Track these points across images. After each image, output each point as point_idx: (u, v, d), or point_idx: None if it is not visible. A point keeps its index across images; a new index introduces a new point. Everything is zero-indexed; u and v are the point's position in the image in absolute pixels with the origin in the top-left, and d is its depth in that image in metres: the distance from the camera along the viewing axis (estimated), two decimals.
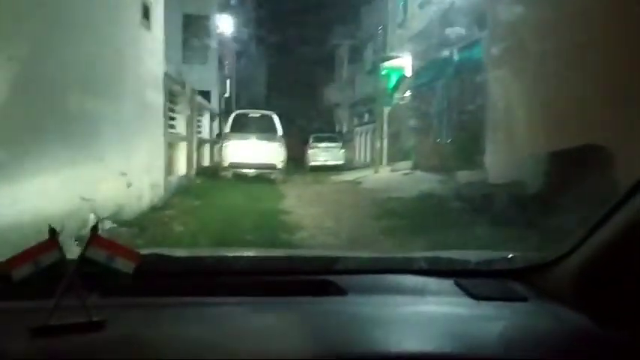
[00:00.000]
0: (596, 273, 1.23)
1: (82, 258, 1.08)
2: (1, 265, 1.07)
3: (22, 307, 1.14)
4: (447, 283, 1.41)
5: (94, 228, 1.12)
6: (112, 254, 1.11)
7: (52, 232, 1.08)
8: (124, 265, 1.11)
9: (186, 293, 1.31)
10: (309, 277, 1.44)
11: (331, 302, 1.32)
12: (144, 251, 1.41)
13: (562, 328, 1.20)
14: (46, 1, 4.72)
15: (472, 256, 1.61)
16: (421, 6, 14.49)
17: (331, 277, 1.41)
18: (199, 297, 1.30)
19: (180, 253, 1.66)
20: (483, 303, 1.31)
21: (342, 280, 1.39)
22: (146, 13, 7.90)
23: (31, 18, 4.42)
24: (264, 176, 13.57)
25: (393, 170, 15.77)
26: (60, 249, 1.07)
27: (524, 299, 1.33)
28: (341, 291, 1.35)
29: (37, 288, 1.08)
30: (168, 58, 9.97)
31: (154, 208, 7.55)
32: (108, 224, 5.65)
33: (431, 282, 1.43)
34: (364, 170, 18.21)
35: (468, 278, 1.43)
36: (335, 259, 1.55)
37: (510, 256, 1.55)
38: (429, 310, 1.30)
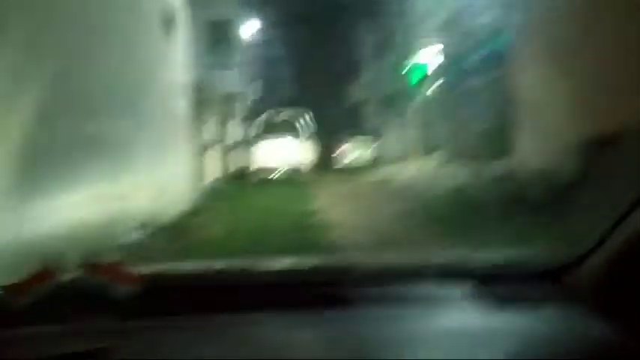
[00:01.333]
0: (623, 272, 1.17)
1: (82, 283, 1.07)
2: (3, 289, 1.06)
3: (22, 336, 1.10)
4: (466, 287, 1.34)
5: (91, 253, 1.11)
6: (112, 278, 1.09)
7: (49, 258, 1.07)
8: (125, 289, 1.09)
9: (194, 311, 1.26)
10: (321, 290, 1.38)
11: (344, 316, 1.27)
12: (148, 268, 1.39)
13: (589, 333, 1.14)
14: (71, 13, 4.81)
15: (492, 256, 1.54)
16: None
17: (343, 289, 1.36)
18: (206, 315, 1.25)
19: (187, 266, 1.62)
20: (505, 308, 1.24)
21: (354, 291, 1.35)
22: (170, 24, 8.00)
23: (56, 31, 4.51)
24: (292, 177, 13.61)
25: (424, 164, 15.63)
26: (58, 275, 1.06)
27: (549, 302, 1.25)
28: (354, 303, 1.31)
29: (37, 316, 1.05)
30: (194, 65, 10.10)
31: (185, 214, 7.65)
32: (142, 232, 5.75)
33: (449, 287, 1.36)
34: (394, 166, 18.10)
35: (490, 282, 1.36)
36: (346, 269, 1.50)
37: (532, 255, 1.48)
38: (448, 319, 1.24)
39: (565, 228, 4.87)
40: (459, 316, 1.25)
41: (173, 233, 6.18)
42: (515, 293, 1.31)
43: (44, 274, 1.05)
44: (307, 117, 15.14)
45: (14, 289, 1.04)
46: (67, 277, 1.09)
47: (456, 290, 1.35)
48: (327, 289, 1.38)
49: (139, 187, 6.14)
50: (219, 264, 1.57)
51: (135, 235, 5.61)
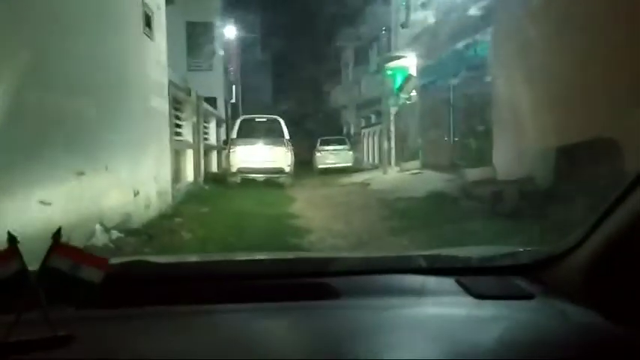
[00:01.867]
0: (603, 267, 1.17)
1: (44, 267, 0.98)
2: None
3: None
4: (448, 282, 1.34)
5: (56, 234, 1.00)
6: (78, 262, 1.00)
7: (12, 239, 0.97)
8: (92, 274, 1.00)
9: (165, 302, 1.20)
10: (302, 280, 1.36)
11: (326, 306, 1.25)
12: (121, 259, 1.34)
13: (570, 326, 1.14)
14: (48, 11, 4.71)
15: (473, 252, 1.54)
16: (423, 5, 14.44)
17: (325, 280, 1.34)
18: (179, 305, 1.20)
19: (162, 259, 1.57)
20: (487, 302, 1.24)
21: (336, 282, 1.32)
22: (148, 22, 7.91)
23: (33, 28, 4.41)
24: (272, 181, 13.56)
25: (401, 171, 15.71)
26: (20, 258, 0.96)
27: (529, 297, 1.26)
28: (336, 293, 1.28)
29: None
30: (173, 66, 10.00)
31: (161, 216, 7.54)
32: (115, 233, 5.64)
33: (430, 281, 1.35)
34: (373, 172, 18.16)
35: (470, 276, 1.36)
36: (329, 260, 1.48)
37: (513, 251, 1.47)
38: (429, 311, 1.23)
39: (541, 228, 4.93)
40: (439, 307, 1.24)
41: (147, 235, 6.07)
42: (495, 287, 1.32)
43: (5, 255, 0.96)
44: (286, 120, 15.08)
45: None
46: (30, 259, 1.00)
47: (438, 283, 1.34)
48: (308, 280, 1.36)
49: (113, 186, 6.03)
50: (191, 257, 1.53)
51: (107, 237, 5.50)
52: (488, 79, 10.83)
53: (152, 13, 8.08)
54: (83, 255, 1.02)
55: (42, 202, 4.35)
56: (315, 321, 1.17)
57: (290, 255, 1.66)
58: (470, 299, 1.25)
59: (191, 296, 1.24)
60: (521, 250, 1.47)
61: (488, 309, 1.22)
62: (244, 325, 1.13)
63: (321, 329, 1.13)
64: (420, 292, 1.30)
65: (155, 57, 8.32)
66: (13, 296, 0.96)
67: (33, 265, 0.99)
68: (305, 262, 1.57)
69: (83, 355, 0.96)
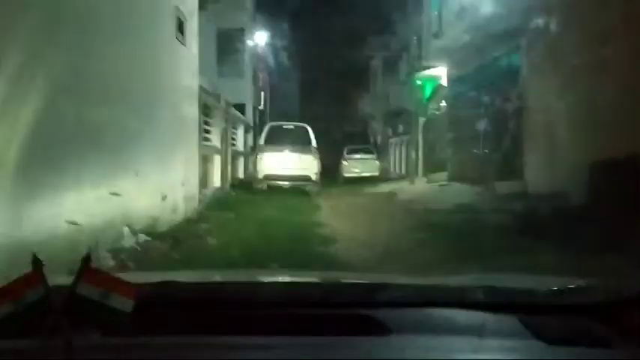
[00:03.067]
0: None
1: (72, 295, 0.92)
2: None
3: (3, 349, 0.98)
4: (510, 321, 1.16)
5: (86, 259, 0.94)
6: (107, 290, 0.94)
7: (36, 262, 0.92)
8: (121, 303, 0.94)
9: (197, 330, 1.12)
10: (345, 312, 1.21)
11: (372, 343, 1.10)
12: (150, 277, 1.25)
13: None
14: (82, 15, 4.76)
15: (534, 284, 1.35)
16: (458, 15, 14.28)
17: (371, 312, 1.19)
18: (213, 336, 1.10)
19: (192, 277, 1.47)
20: (558, 349, 1.06)
21: (384, 315, 1.17)
22: (181, 28, 7.97)
23: (67, 33, 4.46)
24: (298, 188, 13.52)
25: (429, 182, 15.53)
26: (45, 283, 0.91)
27: (606, 344, 1.08)
28: (384, 329, 1.13)
29: (21, 327, 0.92)
30: (203, 72, 10.06)
31: (188, 221, 7.55)
32: (142, 237, 5.64)
33: (490, 319, 1.17)
34: (399, 182, 18.01)
35: (535, 315, 1.18)
36: (375, 288, 1.31)
37: (583, 286, 1.28)
38: (488, 356, 1.06)
39: (576, 249, 4.74)
40: (505, 353, 1.08)
41: (173, 240, 6.06)
42: (565, 330, 1.14)
43: (30, 279, 0.91)
44: (314, 128, 15.05)
45: None
46: (57, 282, 0.94)
47: (499, 322, 1.17)
48: (350, 312, 1.21)
49: (141, 190, 6.05)
50: (217, 276, 1.42)
51: (134, 240, 5.51)
52: (521, 91, 10.63)
53: (185, 19, 8.14)
54: (113, 282, 0.96)
55: (73, 206, 4.37)
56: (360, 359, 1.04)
57: (333, 277, 1.50)
58: (538, 344, 1.08)
59: (221, 325, 1.15)
60: (593, 285, 1.28)
61: (560, 357, 1.06)
62: None
63: None
64: (479, 332, 1.13)
65: (187, 63, 8.38)
66: (38, 321, 0.90)
67: (61, 278, 0.95)
68: (350, 288, 1.42)
69: None
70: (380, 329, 1.14)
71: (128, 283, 0.96)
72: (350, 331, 1.14)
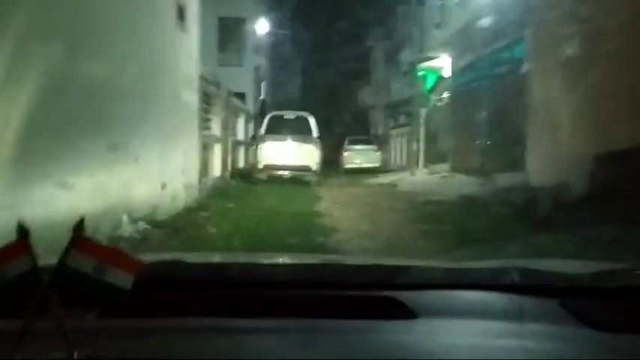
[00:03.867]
0: None
1: (62, 267, 0.78)
2: None
3: None
4: (549, 305, 1.07)
5: (79, 227, 0.80)
6: (103, 263, 0.80)
7: (22, 232, 0.78)
8: (120, 278, 0.80)
9: (208, 313, 1.03)
10: (366, 293, 1.12)
11: (397, 328, 1.01)
12: (150, 257, 1.15)
13: None
14: (82, 2, 4.70)
15: (573, 267, 1.26)
16: (459, 5, 14.17)
17: (395, 294, 1.09)
18: (223, 318, 1.01)
19: (197, 259, 1.36)
20: (604, 334, 0.98)
21: (408, 297, 1.08)
22: (181, 15, 7.88)
23: (67, 18, 4.40)
24: (299, 178, 13.47)
25: (430, 173, 15.48)
26: (32, 254, 0.78)
27: None
28: (410, 312, 1.04)
29: (4, 304, 0.79)
30: (203, 61, 9.97)
31: (188, 210, 7.51)
32: (141, 225, 5.60)
33: (527, 302, 1.08)
34: (400, 173, 17.96)
35: (577, 298, 1.09)
36: (399, 270, 1.21)
37: (625, 269, 1.21)
38: (529, 342, 0.97)
39: (577, 240, 4.70)
40: (547, 339, 0.98)
41: (173, 228, 6.03)
42: (612, 315, 1.06)
43: (15, 250, 0.77)
44: (314, 118, 14.96)
45: None
46: (47, 262, 0.80)
47: (538, 306, 1.09)
48: (372, 293, 1.12)
49: (141, 178, 6.00)
50: (229, 256, 1.32)
51: (134, 228, 5.47)
52: (524, 82, 10.55)
53: (185, 5, 8.05)
54: (111, 253, 0.82)
55: (71, 192, 4.33)
56: (382, 347, 0.94)
57: (351, 260, 1.39)
58: (582, 329, 1.00)
59: (232, 308, 1.05)
60: (632, 268, 1.20)
61: (607, 343, 0.97)
62: (293, 347, 0.93)
63: (390, 357, 0.91)
64: (514, 316, 1.04)
65: (187, 50, 8.30)
66: (23, 299, 0.77)
67: (51, 259, 0.81)
68: (370, 269, 1.29)
69: None
70: (404, 312, 1.05)
71: (128, 256, 0.83)
72: (371, 314, 1.05)
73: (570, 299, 1.08)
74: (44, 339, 0.76)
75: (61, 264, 0.78)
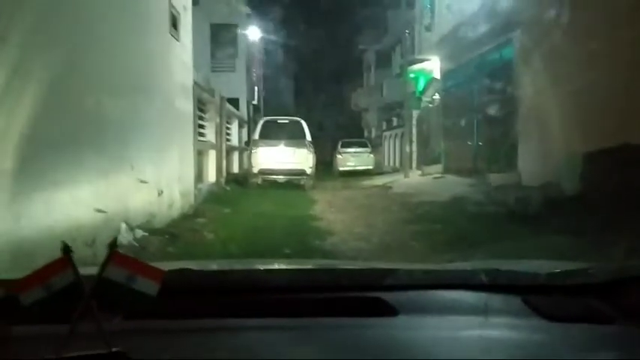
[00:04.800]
0: None
1: (100, 279, 0.94)
2: (11, 284, 0.96)
3: (34, 334, 1.02)
4: (514, 301, 1.21)
5: (113, 245, 0.97)
6: (133, 273, 0.97)
7: (66, 248, 0.94)
8: (147, 286, 0.97)
9: (217, 314, 1.18)
10: (356, 294, 1.27)
11: (382, 324, 1.15)
12: (169, 265, 1.29)
13: None
14: (77, 11, 4.76)
15: (536, 267, 1.40)
16: (449, 8, 14.31)
17: (380, 294, 1.24)
18: (230, 318, 1.16)
19: (208, 266, 1.53)
20: (560, 325, 1.11)
21: (392, 297, 1.22)
22: (175, 23, 7.96)
23: (62, 28, 4.46)
24: (293, 182, 13.56)
25: (423, 174, 15.59)
26: (74, 268, 0.94)
27: (608, 321, 1.12)
28: (391, 310, 1.18)
29: (50, 312, 0.94)
30: (197, 67, 10.05)
31: (184, 216, 7.58)
32: (139, 233, 5.67)
33: (493, 299, 1.22)
34: (394, 175, 18.06)
35: (539, 295, 1.23)
36: (384, 273, 1.36)
37: (583, 268, 1.32)
38: (495, 333, 1.11)
39: (569, 238, 4.81)
40: (508, 330, 1.12)
41: (170, 235, 6.10)
42: (567, 308, 1.19)
43: (60, 264, 0.93)
44: (308, 122, 15.06)
45: (26, 283, 0.93)
46: (83, 272, 0.96)
47: (503, 302, 1.23)
48: (360, 294, 1.27)
49: (137, 186, 6.07)
50: (235, 265, 1.48)
51: (132, 236, 5.54)
52: (514, 83, 10.70)
53: (178, 14, 8.14)
54: (139, 265, 0.98)
55: (70, 201, 4.39)
56: (368, 339, 1.08)
57: (341, 265, 1.59)
58: (540, 322, 1.13)
59: (238, 309, 1.20)
60: (593, 267, 1.32)
61: (562, 333, 1.09)
62: (291, 341, 1.07)
63: (375, 349, 1.04)
64: (483, 311, 1.18)
65: (180, 58, 8.38)
66: (68, 307, 0.92)
67: (85, 269, 0.96)
68: (358, 274, 1.47)
69: None
70: (388, 310, 1.18)
71: (154, 267, 0.99)
72: (359, 312, 1.18)
73: (532, 296, 1.21)
74: (85, 339, 0.90)
75: (100, 276, 0.94)
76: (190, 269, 1.36)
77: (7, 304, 0.94)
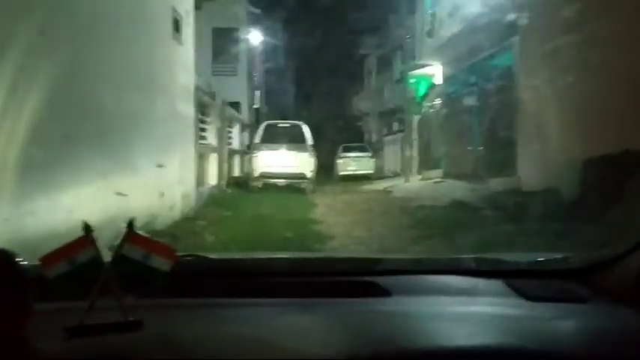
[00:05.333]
0: None
1: (118, 255, 1.04)
2: (36, 266, 1.04)
3: (58, 308, 1.11)
4: (497, 284, 1.33)
5: (130, 224, 1.07)
6: (149, 252, 1.06)
7: (87, 228, 1.03)
8: (161, 264, 1.06)
9: (223, 294, 1.28)
10: (351, 278, 1.38)
11: (374, 303, 1.26)
12: (180, 253, 1.40)
13: (625, 328, 1.13)
14: (80, 14, 4.82)
15: (521, 257, 1.54)
16: (450, 14, 14.37)
17: (374, 279, 1.35)
18: (236, 298, 1.26)
19: (216, 256, 1.65)
20: (538, 304, 1.23)
21: (385, 280, 1.33)
22: (177, 27, 8.02)
23: (66, 31, 4.51)
24: (294, 186, 13.59)
25: (423, 179, 15.62)
26: (95, 246, 1.03)
27: (582, 300, 1.24)
28: (385, 292, 1.29)
29: (73, 287, 1.04)
30: (199, 71, 10.11)
31: (185, 218, 7.62)
32: (140, 234, 5.69)
33: (479, 282, 1.35)
34: (394, 179, 18.09)
35: (519, 279, 1.35)
36: (378, 261, 1.50)
37: (564, 255, 1.46)
38: (478, 309, 1.22)
39: (569, 246, 4.84)
40: (490, 307, 1.23)
41: (171, 237, 6.12)
42: (546, 290, 1.31)
43: (81, 243, 1.02)
44: (309, 127, 15.10)
45: (50, 259, 1.02)
46: (104, 247, 1.07)
47: (487, 285, 1.34)
48: (358, 278, 1.37)
49: (138, 188, 6.11)
50: (241, 255, 1.61)
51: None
52: (514, 88, 10.74)
53: (181, 18, 8.20)
54: (154, 244, 1.07)
55: (72, 201, 4.43)
56: (362, 315, 1.18)
57: (340, 255, 1.73)
58: (521, 301, 1.25)
59: (243, 290, 1.29)
60: (572, 254, 1.46)
61: (540, 311, 1.20)
62: (293, 317, 1.16)
63: (368, 323, 1.14)
64: (467, 292, 1.30)
65: (183, 61, 8.44)
66: (89, 282, 1.02)
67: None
68: (354, 261, 1.59)
69: (151, 339, 1.02)
70: (382, 292, 1.29)
71: (168, 246, 1.08)
72: (354, 294, 1.28)
73: (514, 280, 1.34)
74: (103, 312, 1.01)
75: (118, 253, 1.04)
76: (199, 255, 1.46)
77: (32, 284, 1.01)
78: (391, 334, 1.09)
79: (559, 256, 1.47)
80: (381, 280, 1.34)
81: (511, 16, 10.41)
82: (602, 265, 1.32)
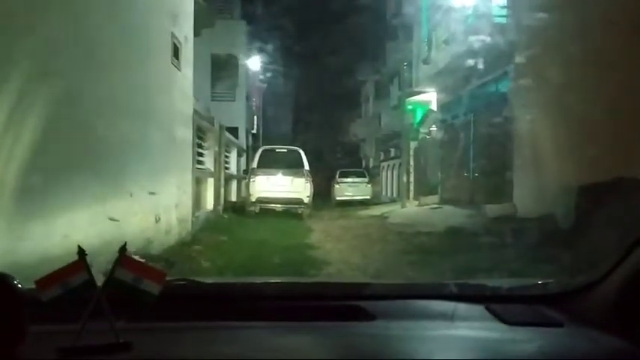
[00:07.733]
0: (630, 297, 1.22)
1: (110, 279, 1.08)
2: (31, 289, 1.07)
3: (52, 330, 1.14)
4: (478, 309, 1.38)
5: (122, 249, 1.11)
6: (139, 275, 1.10)
7: (81, 253, 1.08)
8: (151, 287, 1.10)
9: (213, 317, 1.31)
10: (338, 303, 1.42)
11: (359, 327, 1.30)
12: (172, 277, 1.42)
13: (599, 351, 1.17)
14: (80, 40, 4.88)
15: (503, 282, 1.60)
16: (446, 42, 14.58)
17: (360, 303, 1.39)
18: (226, 321, 1.29)
19: (208, 281, 1.68)
20: (516, 328, 1.28)
21: (370, 305, 1.38)
22: (176, 53, 8.12)
23: (66, 57, 4.57)
24: (291, 211, 13.59)
25: (420, 205, 15.64)
26: (88, 270, 1.07)
27: (559, 324, 1.29)
28: (369, 316, 1.34)
29: (66, 310, 1.07)
30: (197, 96, 10.20)
31: (181, 243, 7.60)
32: (135, 258, 5.68)
33: (461, 307, 1.40)
34: (391, 205, 18.11)
35: (500, 304, 1.41)
36: (363, 285, 1.55)
37: (542, 282, 1.52)
38: (459, 334, 1.26)
39: (563, 272, 4.85)
40: (471, 331, 1.27)
41: (167, 262, 6.10)
42: (524, 314, 1.36)
43: (75, 267, 1.06)
44: (306, 152, 15.18)
45: (45, 282, 1.06)
46: (98, 271, 1.11)
47: (468, 310, 1.39)
48: (344, 303, 1.41)
49: (135, 212, 6.11)
50: (232, 280, 1.65)
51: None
52: (510, 115, 10.84)
53: (180, 44, 8.31)
54: (145, 268, 1.11)
55: (68, 226, 4.43)
56: (347, 339, 1.22)
57: (327, 280, 1.77)
58: (500, 325, 1.29)
59: (233, 314, 1.33)
60: (550, 280, 1.52)
61: (518, 335, 1.25)
62: (281, 340, 1.19)
63: (355, 348, 1.17)
64: (449, 317, 1.34)
65: (181, 87, 8.52)
66: (82, 305, 1.05)
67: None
68: (341, 286, 1.65)
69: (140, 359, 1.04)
70: (367, 316, 1.34)
71: (158, 270, 1.12)
72: (342, 318, 1.33)
73: (493, 304, 1.39)
74: (95, 334, 1.04)
75: (109, 276, 1.08)
76: (191, 279, 1.50)
77: (27, 306, 1.05)
78: (375, 356, 1.12)
79: (538, 281, 1.53)
80: (367, 304, 1.39)
81: (507, 44, 10.58)
82: (579, 291, 1.37)
